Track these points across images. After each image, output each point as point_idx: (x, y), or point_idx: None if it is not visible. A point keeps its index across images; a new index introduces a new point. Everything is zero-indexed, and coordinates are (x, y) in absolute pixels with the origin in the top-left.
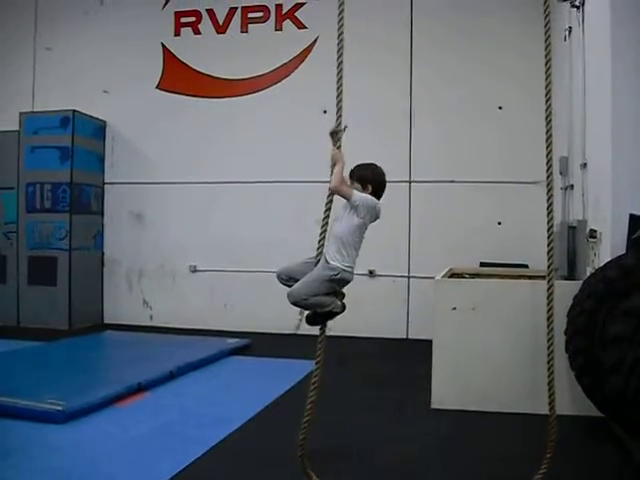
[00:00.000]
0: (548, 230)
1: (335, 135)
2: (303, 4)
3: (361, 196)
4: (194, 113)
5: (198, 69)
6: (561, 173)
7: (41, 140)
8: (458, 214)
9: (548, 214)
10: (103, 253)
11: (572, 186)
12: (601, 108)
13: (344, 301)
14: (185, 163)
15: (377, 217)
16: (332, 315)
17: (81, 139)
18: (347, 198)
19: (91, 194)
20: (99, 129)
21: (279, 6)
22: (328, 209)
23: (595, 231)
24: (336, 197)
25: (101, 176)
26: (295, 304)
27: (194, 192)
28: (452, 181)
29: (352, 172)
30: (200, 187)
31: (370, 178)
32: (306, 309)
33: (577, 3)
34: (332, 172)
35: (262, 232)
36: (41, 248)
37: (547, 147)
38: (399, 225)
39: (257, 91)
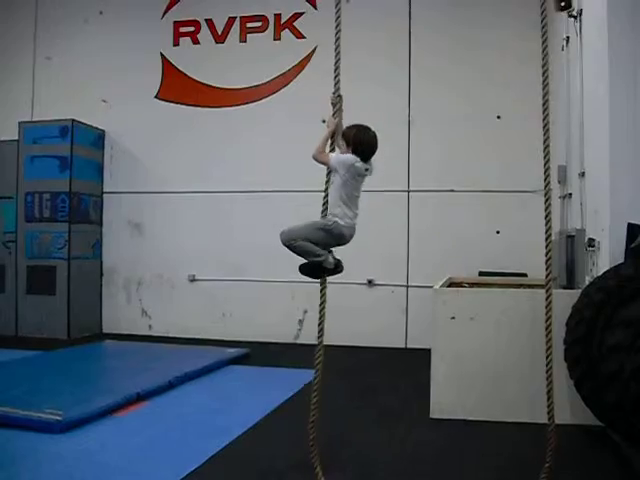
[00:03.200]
0: (546, 239)
1: (334, 105)
2: (302, 14)
3: (337, 158)
4: (193, 123)
5: (197, 79)
6: (559, 182)
7: (40, 150)
8: (457, 223)
9: (546, 223)
10: (102, 262)
11: (570, 195)
12: (599, 117)
13: (342, 263)
14: (184, 172)
15: (360, 174)
16: (324, 270)
17: (80, 148)
18: (327, 164)
19: (90, 203)
20: (98, 138)
21: (278, 16)
22: (329, 173)
23: (594, 240)
24: None
25: (100, 185)
26: (285, 244)
27: (193, 201)
28: (451, 190)
29: (343, 131)
30: (199, 196)
31: (350, 137)
32: (295, 252)
33: (574, 13)
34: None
35: (261, 241)
36: (40, 257)
37: (545, 156)
38: (398, 234)
39: (256, 100)
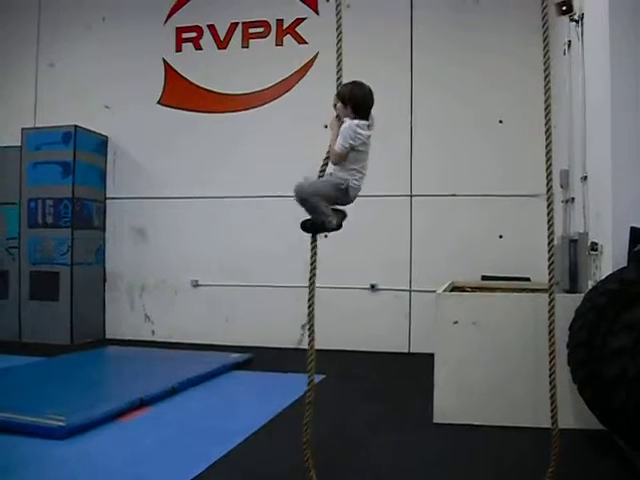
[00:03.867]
0: (549, 244)
1: (336, 107)
2: (304, 19)
3: (342, 141)
4: (195, 128)
5: (199, 84)
6: (562, 186)
7: (43, 156)
8: (459, 228)
9: (549, 227)
10: (105, 268)
11: (573, 199)
12: (601, 121)
13: (343, 223)
14: (187, 178)
15: (367, 136)
16: (325, 228)
17: (83, 154)
18: (346, 154)
19: (93, 209)
20: (101, 144)
21: (280, 21)
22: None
23: (596, 244)
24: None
25: (103, 191)
26: (299, 197)
27: (196, 207)
28: (453, 195)
29: (337, 92)
30: (202, 202)
31: (346, 95)
32: (305, 207)
33: (576, 17)
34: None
35: (263, 246)
36: (43, 263)
37: (547, 161)
38: (400, 239)
39: (258, 106)
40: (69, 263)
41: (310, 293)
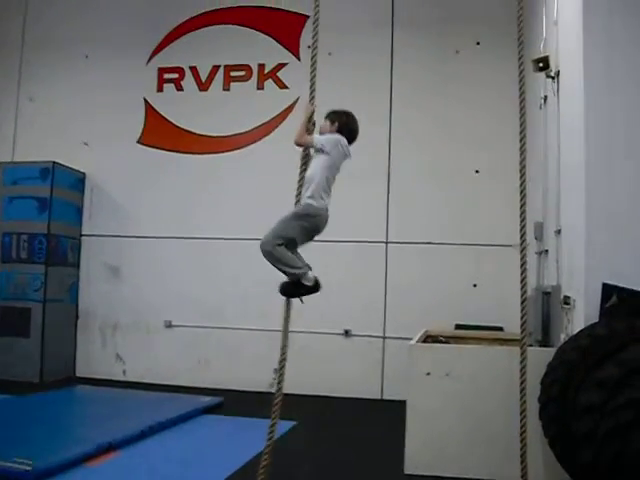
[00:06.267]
0: (522, 302)
1: (310, 120)
2: (285, 64)
3: (323, 136)
4: (174, 169)
5: (179, 125)
6: (536, 238)
7: (20, 190)
8: (434, 275)
9: (522, 280)
10: (77, 305)
11: (547, 251)
12: (575, 177)
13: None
14: (164, 218)
15: (346, 155)
16: (303, 288)
17: (60, 190)
18: (311, 145)
19: (67, 245)
20: (78, 181)
21: (261, 66)
22: (304, 163)
23: (569, 298)
24: None
25: (78, 228)
26: (265, 254)
27: (172, 247)
28: (429, 242)
29: (327, 113)
30: (178, 242)
31: (337, 117)
32: (274, 260)
33: (552, 74)
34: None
35: (238, 289)
36: (15, 299)
37: (521, 215)
38: (375, 285)
39: (238, 148)
40: (41, 300)
41: (282, 355)
